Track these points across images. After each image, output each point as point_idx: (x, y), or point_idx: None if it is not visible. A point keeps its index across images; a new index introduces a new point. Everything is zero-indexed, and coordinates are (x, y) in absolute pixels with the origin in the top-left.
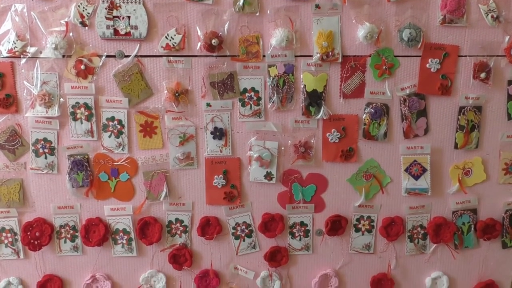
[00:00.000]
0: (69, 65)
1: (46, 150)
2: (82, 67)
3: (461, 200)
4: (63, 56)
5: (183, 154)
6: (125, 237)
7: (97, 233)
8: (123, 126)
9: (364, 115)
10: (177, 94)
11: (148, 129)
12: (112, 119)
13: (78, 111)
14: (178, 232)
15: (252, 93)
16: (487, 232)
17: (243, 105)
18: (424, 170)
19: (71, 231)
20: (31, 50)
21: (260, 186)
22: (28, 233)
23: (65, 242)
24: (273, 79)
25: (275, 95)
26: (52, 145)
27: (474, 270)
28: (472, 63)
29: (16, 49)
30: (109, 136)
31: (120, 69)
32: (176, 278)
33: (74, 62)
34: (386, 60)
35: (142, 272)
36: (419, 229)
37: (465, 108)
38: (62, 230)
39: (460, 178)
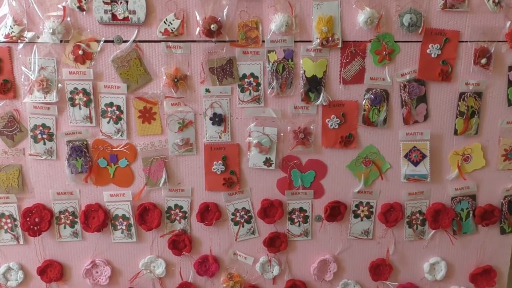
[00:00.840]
0: (67, 50)
1: (44, 136)
2: (80, 52)
3: (460, 186)
4: (61, 41)
5: (182, 140)
6: (125, 223)
7: (96, 219)
8: (121, 112)
9: (364, 101)
10: (176, 80)
11: (147, 115)
12: (111, 105)
13: (76, 96)
14: (178, 218)
15: (252, 79)
16: (485, 218)
17: (242, 91)
18: (423, 156)
19: (71, 217)
20: (28, 35)
21: (260, 172)
22: (28, 219)
23: (64, 228)
24: (272, 64)
25: (275, 80)
26: (51, 131)
27: (472, 255)
28: (473, 48)
29: (13, 34)
30: (108, 122)
31: (118, 54)
32: (176, 263)
33: (72, 47)
34: (386, 46)
35: (141, 258)
36: (418, 215)
37: (465, 94)
38: (62, 216)
39: (460, 164)
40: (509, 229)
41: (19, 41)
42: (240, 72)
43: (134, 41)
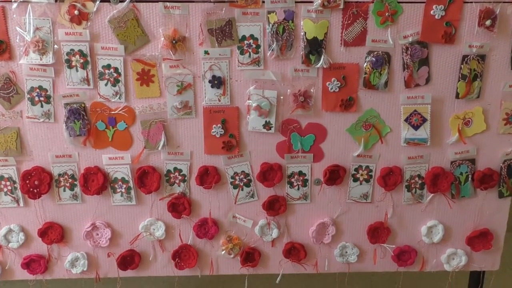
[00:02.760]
0: (62, 10)
1: (42, 99)
2: (76, 12)
3: (459, 150)
4: (56, 0)
5: (181, 103)
6: (124, 186)
7: (95, 182)
8: (119, 74)
9: (365, 63)
10: (174, 42)
11: (145, 78)
12: (108, 67)
13: (73, 58)
14: (177, 181)
15: (251, 41)
16: (484, 182)
17: (242, 53)
18: (424, 120)
19: (70, 180)
20: None
21: (259, 135)
22: (27, 182)
23: (64, 190)
24: (272, 26)
25: (275, 42)
26: (48, 93)
27: (469, 219)
28: (478, 9)
29: None
30: (106, 85)
31: (115, 15)
32: (175, 226)
33: (67, 7)
34: (389, 7)
35: (141, 220)
36: (416, 179)
37: (468, 57)
38: (61, 179)
39: (460, 128)
40: (507, 193)
41: (12, 0)
42: (239, 34)
43: (131, 1)
